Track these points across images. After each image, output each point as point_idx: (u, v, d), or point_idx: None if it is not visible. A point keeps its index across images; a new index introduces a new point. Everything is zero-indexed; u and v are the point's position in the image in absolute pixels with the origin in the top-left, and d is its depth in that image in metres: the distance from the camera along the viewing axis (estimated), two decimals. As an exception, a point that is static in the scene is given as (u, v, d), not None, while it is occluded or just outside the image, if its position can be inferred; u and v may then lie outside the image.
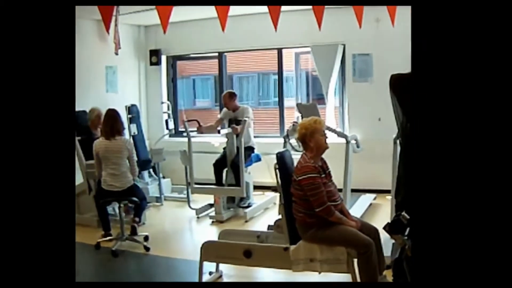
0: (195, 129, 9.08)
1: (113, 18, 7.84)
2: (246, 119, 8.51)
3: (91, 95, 9.91)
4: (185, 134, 9.02)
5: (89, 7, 8.26)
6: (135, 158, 7.60)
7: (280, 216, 5.36)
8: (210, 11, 7.88)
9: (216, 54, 11.50)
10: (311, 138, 5.05)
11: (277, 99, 11.65)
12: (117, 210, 8.17)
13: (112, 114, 7.46)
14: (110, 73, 10.70)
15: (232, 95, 9.14)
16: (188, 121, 8.97)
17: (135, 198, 7.37)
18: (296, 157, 5.48)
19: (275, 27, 6.01)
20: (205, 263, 5.56)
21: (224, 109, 9.37)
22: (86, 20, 9.96)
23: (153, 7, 6.41)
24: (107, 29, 5.65)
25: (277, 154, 5.33)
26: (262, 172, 9.51)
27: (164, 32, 5.42)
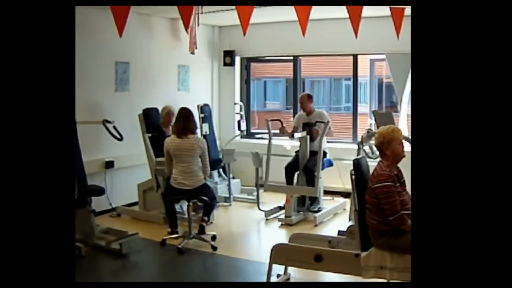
0: (277, 130, 9.12)
1: (193, 18, 7.91)
2: (329, 121, 8.53)
3: (163, 93, 10.06)
4: (257, 136, 9.00)
5: (164, 6, 8.46)
6: (208, 158, 7.65)
7: (351, 222, 5.36)
8: (287, 14, 7.98)
9: (290, 57, 11.51)
10: (388, 146, 5.04)
11: (348, 104, 11.62)
12: (184, 208, 8.26)
13: (186, 113, 7.54)
14: (183, 72, 10.80)
15: (310, 97, 9.17)
16: (271, 120, 9.01)
17: (205, 197, 7.43)
18: (371, 164, 5.49)
19: (356, 34, 6.03)
20: (274, 265, 5.59)
21: (298, 114, 9.41)
22: (159, 18, 10.12)
23: (232, 7, 6.50)
24: (187, 28, 5.71)
25: (353, 160, 5.34)
26: (333, 177, 9.51)
27: (244, 33, 5.45)
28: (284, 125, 9.19)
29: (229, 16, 8.89)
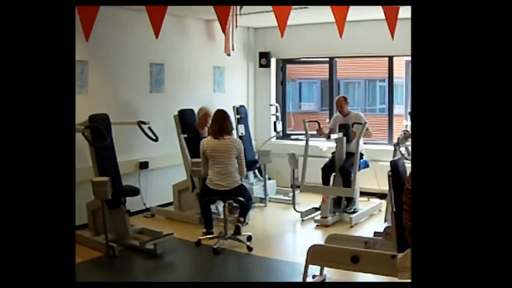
0: (314, 131, 9.05)
1: (230, 19, 7.86)
2: (366, 122, 8.45)
3: (198, 95, 10.04)
4: (293, 137, 8.95)
5: (199, 7, 8.43)
6: (244, 159, 7.61)
7: (387, 223, 5.26)
8: (323, 16, 7.91)
9: (326, 59, 11.39)
10: (425, 148, 4.92)
11: (383, 106, 11.47)
12: (219, 209, 8.29)
13: (222, 114, 7.54)
14: (218, 73, 10.77)
15: (346, 99, 9.12)
16: (309, 121, 8.93)
17: (241, 198, 7.38)
18: (408, 165, 5.37)
19: (392, 35, 5.94)
20: (310, 266, 5.52)
21: (335, 115, 9.35)
22: (194, 19, 10.11)
23: (268, 8, 6.42)
24: (224, 29, 5.65)
25: (391, 162, 5.23)
26: (369, 178, 9.40)
27: (282, 35, 5.40)
28: (321, 126, 9.14)
29: (265, 18, 8.86)
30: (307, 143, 8.71)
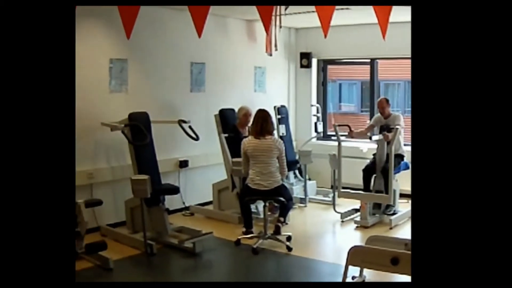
0: (346, 133, 8.92)
1: (273, 19, 7.78)
2: (398, 126, 8.28)
3: (239, 94, 9.97)
4: (334, 138, 8.87)
5: (242, 7, 8.37)
6: (285, 159, 7.51)
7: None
8: (364, 16, 7.78)
9: (367, 60, 11.23)
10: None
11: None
12: (259, 208, 8.25)
13: (263, 114, 7.47)
14: (259, 73, 10.69)
15: (387, 101, 8.93)
16: (339, 125, 8.82)
17: (282, 198, 7.28)
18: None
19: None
20: (350, 267, 5.41)
21: (376, 116, 9.17)
22: (235, 19, 10.04)
23: (311, 9, 6.31)
24: (267, 29, 5.55)
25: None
26: (409, 180, 9.20)
27: (325, 35, 5.28)
28: (352, 129, 9.00)
29: (306, 18, 8.76)
30: (339, 146, 8.56)
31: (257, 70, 10.63)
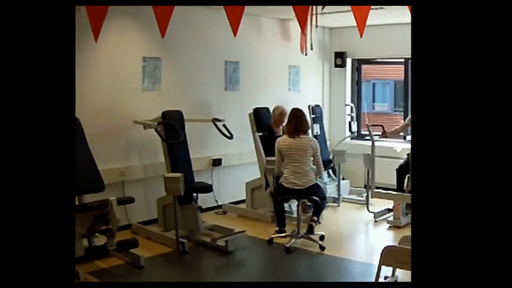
0: (379, 133, 8.83)
1: (309, 19, 7.71)
2: None
3: (273, 93, 9.88)
4: (368, 137, 8.79)
5: (276, 7, 8.32)
6: (321, 158, 7.44)
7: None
8: (399, 16, 7.68)
9: (401, 59, 11.07)
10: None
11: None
12: (292, 207, 8.18)
13: (298, 113, 7.41)
14: (293, 72, 10.62)
15: None
16: (373, 125, 8.72)
17: (315, 197, 7.20)
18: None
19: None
20: (382, 267, 5.33)
21: (411, 115, 9.04)
22: (269, 18, 9.97)
23: (347, 8, 6.23)
24: (303, 29, 5.51)
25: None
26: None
27: (361, 35, 5.28)
28: (386, 129, 8.96)
29: (341, 18, 8.69)
30: (373, 146, 8.42)
31: (291, 69, 10.55)
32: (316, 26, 8.32)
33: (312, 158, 7.31)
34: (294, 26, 10.07)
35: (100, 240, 6.51)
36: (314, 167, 7.40)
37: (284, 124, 8.29)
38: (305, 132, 7.36)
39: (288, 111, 7.75)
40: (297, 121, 7.27)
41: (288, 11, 5.02)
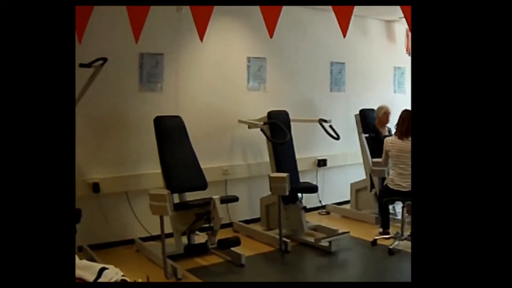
0: None
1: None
2: None
3: (379, 95, 9.58)
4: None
5: (382, 7, 8.12)
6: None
7: None
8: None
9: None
10: None
11: None
12: (396, 209, 8.03)
13: (409, 115, 7.08)
14: (398, 74, 10.33)
15: None
16: None
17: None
18: None
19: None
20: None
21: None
22: (374, 20, 9.73)
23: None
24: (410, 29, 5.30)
25: None
26: None
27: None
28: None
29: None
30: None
31: (397, 71, 10.25)
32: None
33: None
34: (399, 28, 9.83)
35: (199, 238, 6.48)
36: None
37: (388, 124, 8.15)
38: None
39: (392, 111, 7.55)
40: (408, 123, 6.99)
41: (394, 12, 4.84)
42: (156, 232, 6.14)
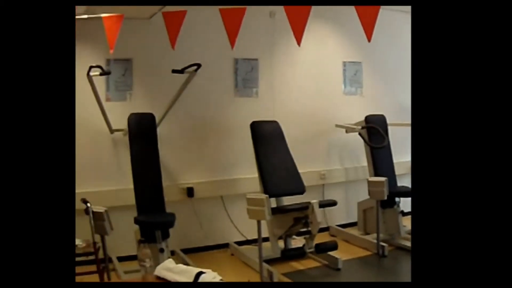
0: None
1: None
2: None
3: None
4: None
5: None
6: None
7: None
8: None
9: None
10: None
11: None
12: None
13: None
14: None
15: None
16: None
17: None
18: None
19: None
20: None
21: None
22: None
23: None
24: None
25: None
26: None
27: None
28: None
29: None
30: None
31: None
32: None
33: None
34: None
35: (295, 242, 6.43)
36: None
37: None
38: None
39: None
40: None
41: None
42: (251, 236, 6.13)
